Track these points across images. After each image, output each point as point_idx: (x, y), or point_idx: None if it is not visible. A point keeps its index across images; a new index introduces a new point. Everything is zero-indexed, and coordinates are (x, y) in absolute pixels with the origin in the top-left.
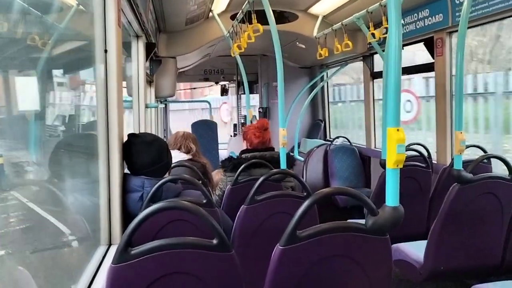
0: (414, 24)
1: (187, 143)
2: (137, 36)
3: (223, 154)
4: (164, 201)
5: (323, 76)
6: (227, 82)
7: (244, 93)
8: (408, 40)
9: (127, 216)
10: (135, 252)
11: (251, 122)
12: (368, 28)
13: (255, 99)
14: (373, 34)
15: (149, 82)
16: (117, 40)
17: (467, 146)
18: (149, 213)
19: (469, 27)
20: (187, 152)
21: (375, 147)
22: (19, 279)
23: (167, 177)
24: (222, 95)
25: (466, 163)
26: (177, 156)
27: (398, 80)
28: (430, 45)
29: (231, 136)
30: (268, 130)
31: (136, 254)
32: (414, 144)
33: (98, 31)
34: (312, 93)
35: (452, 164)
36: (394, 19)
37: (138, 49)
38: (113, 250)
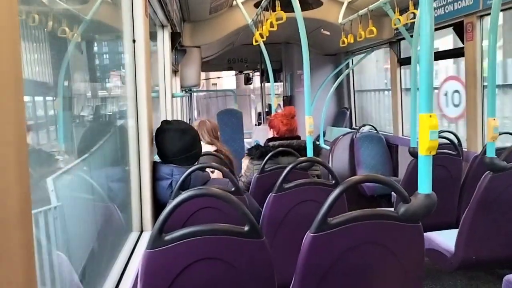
0: (443, 8)
1: (202, 132)
2: (163, 26)
3: (247, 143)
4: (196, 188)
5: (348, 63)
6: (251, 71)
7: (269, 82)
8: (437, 25)
9: (156, 203)
10: (169, 238)
11: (276, 110)
12: (395, 13)
13: (278, 88)
14: (399, 20)
15: (174, 72)
16: (145, 30)
17: (500, 133)
18: (182, 200)
19: (502, 10)
20: (208, 143)
21: (402, 135)
22: (57, 263)
23: (195, 165)
24: (246, 84)
25: (498, 151)
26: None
27: (431, 65)
28: (459, 30)
29: (255, 125)
30: (295, 118)
31: (169, 240)
32: (444, 131)
33: (126, 21)
34: (337, 81)
35: (484, 152)
36: (426, 2)
37: (164, 39)
38: (145, 236)
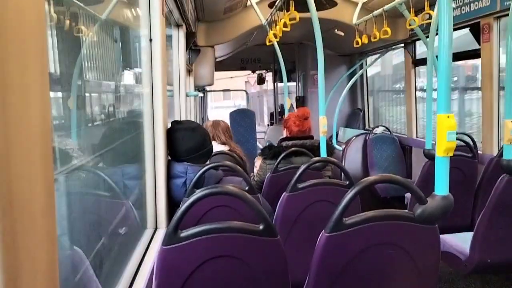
0: (459, 9)
1: (217, 132)
2: (178, 25)
3: (260, 143)
4: (212, 186)
5: (362, 64)
6: (264, 71)
7: (281, 82)
8: (453, 26)
9: (170, 201)
10: (185, 234)
11: (289, 111)
12: (410, 14)
13: (291, 89)
14: (414, 21)
15: (188, 71)
16: (161, 29)
17: None
18: (200, 197)
19: None
20: (223, 143)
21: (417, 137)
22: (74, 258)
23: (209, 163)
24: (259, 84)
25: None
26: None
27: (449, 66)
28: (476, 31)
29: (268, 125)
30: (308, 120)
31: (185, 237)
32: (459, 133)
33: (143, 21)
34: (351, 81)
35: (500, 154)
36: (444, 3)
37: (179, 38)
38: (159, 233)
